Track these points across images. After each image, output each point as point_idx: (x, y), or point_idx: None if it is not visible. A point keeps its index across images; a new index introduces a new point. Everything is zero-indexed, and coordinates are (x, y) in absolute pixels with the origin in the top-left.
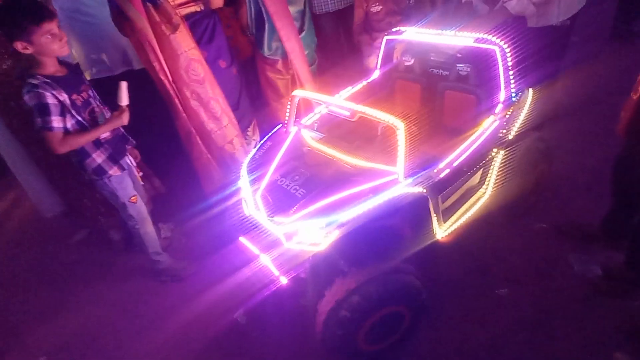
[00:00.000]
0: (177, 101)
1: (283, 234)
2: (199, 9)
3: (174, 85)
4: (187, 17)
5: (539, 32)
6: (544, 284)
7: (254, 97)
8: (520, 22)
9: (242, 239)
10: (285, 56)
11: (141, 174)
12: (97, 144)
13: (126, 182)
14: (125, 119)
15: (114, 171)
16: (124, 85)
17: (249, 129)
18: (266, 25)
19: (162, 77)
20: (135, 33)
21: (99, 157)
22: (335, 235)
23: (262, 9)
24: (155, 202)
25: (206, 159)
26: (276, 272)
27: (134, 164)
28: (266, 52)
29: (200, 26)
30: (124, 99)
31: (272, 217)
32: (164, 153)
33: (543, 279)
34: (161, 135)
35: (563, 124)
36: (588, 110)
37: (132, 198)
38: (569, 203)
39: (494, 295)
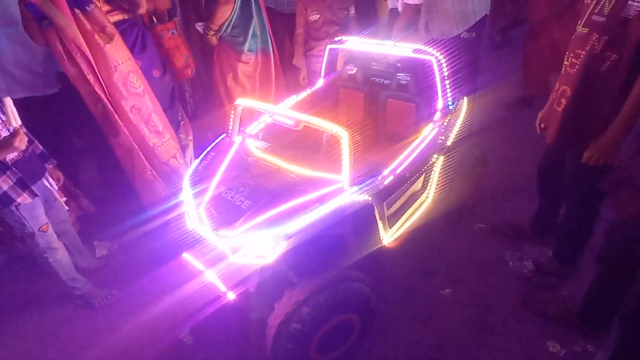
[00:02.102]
0: (115, 117)
1: (229, 247)
2: (126, 17)
3: (110, 99)
4: (115, 25)
5: (471, 44)
6: (484, 281)
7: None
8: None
9: (186, 255)
10: (263, 53)
11: (64, 199)
12: (1, 167)
13: (37, 210)
14: (18, 143)
15: (23, 199)
16: (8, 102)
17: (180, 131)
18: (253, 21)
19: (98, 91)
20: (63, 42)
21: (4, 183)
22: (282, 246)
23: (253, 5)
24: (90, 220)
25: (150, 175)
26: (223, 288)
27: (56, 187)
28: (246, 49)
29: (131, 35)
30: (13, 119)
31: (217, 230)
32: (94, 170)
33: (483, 277)
34: (90, 152)
35: (496, 130)
36: (517, 116)
37: (43, 227)
38: (503, 204)
39: (439, 296)
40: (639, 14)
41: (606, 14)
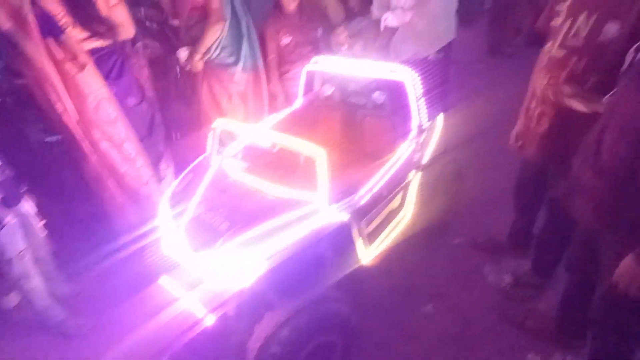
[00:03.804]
0: (84, 144)
1: (207, 270)
2: (105, 44)
3: (80, 127)
4: (92, 52)
5: (441, 65)
6: (464, 296)
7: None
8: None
9: (163, 279)
10: (254, 70)
11: (44, 221)
12: None
13: (17, 234)
14: None
15: (9, 219)
16: None
17: (161, 161)
18: (244, 40)
19: (66, 120)
20: (32, 72)
21: None
22: (262, 267)
23: (243, 23)
24: (60, 247)
25: (121, 201)
26: (201, 312)
27: (32, 211)
28: (240, 70)
29: (108, 61)
30: None
31: (194, 253)
32: (60, 196)
33: (463, 292)
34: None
35: (473, 145)
36: (492, 131)
37: (21, 253)
38: (481, 218)
39: (420, 312)
40: (616, 38)
41: (583, 37)
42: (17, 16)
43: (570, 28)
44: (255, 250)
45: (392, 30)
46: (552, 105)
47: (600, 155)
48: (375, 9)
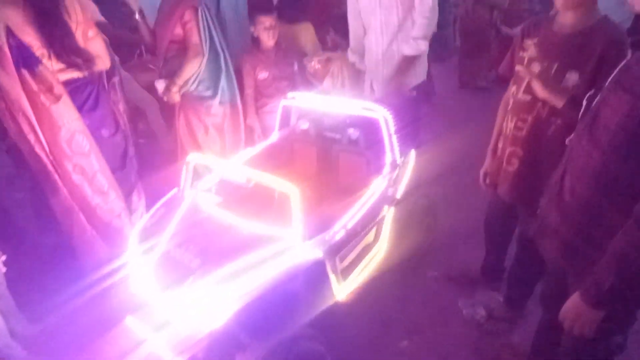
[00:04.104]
0: (55, 176)
1: (176, 310)
2: (80, 75)
3: (51, 158)
4: (68, 83)
5: (414, 102)
6: (440, 330)
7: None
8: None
9: (129, 319)
10: (231, 104)
11: (4, 257)
12: None
13: None
14: None
15: None
16: None
17: (133, 194)
18: (222, 75)
19: (38, 151)
20: (5, 102)
21: None
22: (233, 306)
23: (222, 58)
24: (22, 283)
25: (90, 235)
26: (168, 356)
27: None
28: (217, 103)
29: (83, 93)
30: None
31: (163, 292)
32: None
33: (438, 326)
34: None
35: (445, 179)
36: (463, 166)
37: None
38: (455, 251)
39: (396, 348)
40: (577, 86)
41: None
42: None
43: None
44: (227, 289)
45: (362, 73)
46: (522, 146)
47: (563, 196)
48: (350, 53)
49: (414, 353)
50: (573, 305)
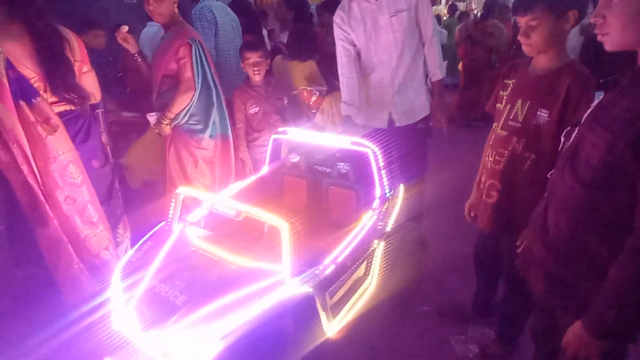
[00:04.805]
0: (46, 207)
1: (159, 350)
2: (72, 108)
3: (43, 189)
4: (61, 115)
5: (405, 135)
6: None
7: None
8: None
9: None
10: (222, 138)
11: None
12: None
13: None
14: None
15: None
16: None
17: (119, 226)
18: (214, 109)
19: (31, 181)
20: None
21: None
22: (220, 345)
23: (214, 93)
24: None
25: (77, 269)
26: None
27: None
28: (207, 136)
29: (75, 125)
30: None
31: (146, 330)
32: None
33: None
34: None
35: (435, 213)
36: (454, 199)
37: None
38: (445, 285)
39: None
40: (547, 122)
41: (520, 121)
42: None
43: (509, 112)
44: (213, 328)
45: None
46: (500, 180)
47: (547, 229)
48: (345, 106)
49: None
50: (576, 335)
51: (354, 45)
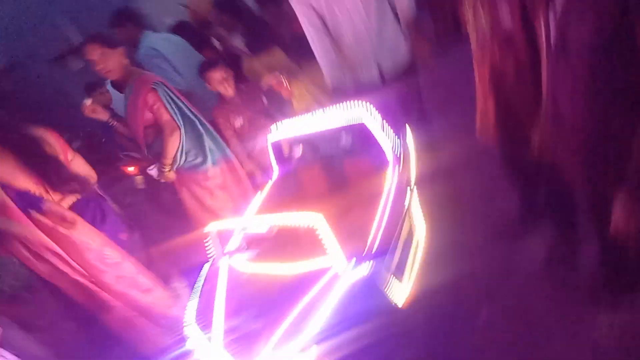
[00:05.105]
0: (103, 294)
1: None
2: (78, 196)
3: (92, 280)
4: (72, 207)
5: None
6: (512, 286)
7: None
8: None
9: None
10: (225, 160)
11: None
12: None
13: None
14: None
15: None
16: None
17: (172, 281)
18: (204, 138)
19: (79, 277)
20: (27, 247)
21: None
22: (313, 351)
23: (198, 124)
24: None
25: (153, 332)
26: None
27: None
28: (210, 166)
29: (88, 209)
30: None
31: None
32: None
33: (508, 280)
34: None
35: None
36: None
37: None
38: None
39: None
40: None
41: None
42: None
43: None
44: (301, 338)
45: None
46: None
47: (562, 122)
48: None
49: (496, 321)
50: (622, 211)
51: (316, 12)
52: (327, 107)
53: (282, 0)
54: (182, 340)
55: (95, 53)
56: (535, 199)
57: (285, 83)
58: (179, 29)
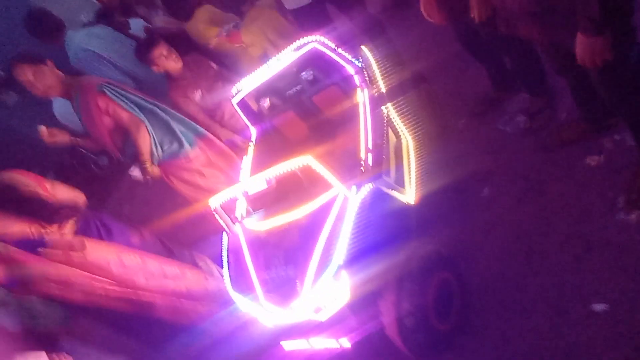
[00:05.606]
0: (141, 296)
1: (310, 313)
2: (75, 220)
3: (125, 289)
4: (76, 233)
5: None
6: (502, 161)
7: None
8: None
9: (283, 344)
10: (201, 138)
11: None
12: None
13: None
14: None
15: None
16: None
17: (197, 262)
18: (171, 124)
19: (114, 293)
20: (50, 284)
21: None
22: (345, 276)
23: (159, 111)
24: None
25: (202, 309)
26: (337, 343)
27: None
28: (187, 148)
29: (90, 228)
30: None
31: (288, 308)
32: None
33: (500, 158)
34: None
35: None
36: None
37: None
38: (461, 90)
39: (479, 198)
40: None
41: None
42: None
43: None
44: (330, 268)
45: None
46: None
47: None
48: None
49: (499, 196)
50: (582, 45)
51: None
52: (283, 46)
53: None
54: (230, 305)
55: (27, 74)
56: (503, 69)
57: (235, 37)
58: (99, 20)
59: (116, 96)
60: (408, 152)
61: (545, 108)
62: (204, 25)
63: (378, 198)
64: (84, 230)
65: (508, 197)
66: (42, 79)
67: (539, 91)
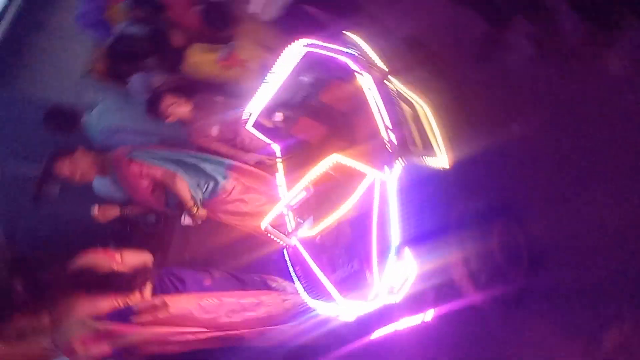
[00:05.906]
0: (229, 333)
1: (387, 297)
2: (151, 280)
3: (214, 331)
4: (153, 291)
5: None
6: (523, 91)
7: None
8: None
9: (378, 333)
10: (233, 169)
11: None
12: None
13: None
14: None
15: None
16: None
17: (270, 284)
18: (202, 165)
19: (204, 337)
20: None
21: None
22: (408, 253)
23: (185, 156)
24: None
25: (288, 328)
26: (420, 318)
27: None
28: (221, 184)
29: (166, 285)
30: None
31: (368, 299)
32: None
33: (513, 90)
34: None
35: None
36: None
37: None
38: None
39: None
40: None
41: None
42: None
43: None
44: (391, 252)
45: None
46: None
47: None
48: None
49: (528, 133)
50: None
51: None
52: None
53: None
54: (312, 314)
55: (65, 168)
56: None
57: (233, 57)
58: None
59: (145, 158)
60: (427, 118)
61: (550, 23)
62: (200, 58)
63: (413, 171)
64: (160, 288)
65: (539, 125)
66: (77, 168)
67: (535, 9)
